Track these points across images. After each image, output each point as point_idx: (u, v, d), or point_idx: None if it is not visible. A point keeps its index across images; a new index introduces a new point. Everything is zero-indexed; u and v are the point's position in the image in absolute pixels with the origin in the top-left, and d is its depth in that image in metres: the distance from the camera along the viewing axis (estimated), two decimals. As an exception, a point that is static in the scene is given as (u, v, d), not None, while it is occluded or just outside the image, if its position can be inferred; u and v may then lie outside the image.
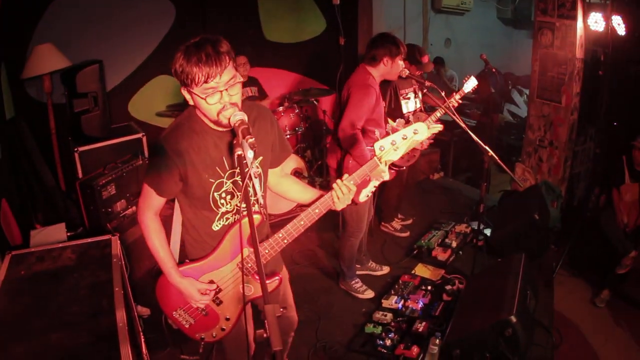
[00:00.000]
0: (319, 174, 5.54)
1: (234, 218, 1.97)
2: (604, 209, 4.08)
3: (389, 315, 3.40)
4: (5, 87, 3.99)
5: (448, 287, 3.63)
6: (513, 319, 2.61)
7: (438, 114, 4.09)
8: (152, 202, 1.92)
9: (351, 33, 6.41)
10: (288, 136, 5.27)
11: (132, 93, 4.96)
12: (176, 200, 2.05)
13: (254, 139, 1.61)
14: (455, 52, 7.69)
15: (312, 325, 3.42)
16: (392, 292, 3.67)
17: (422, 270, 4.05)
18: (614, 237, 3.77)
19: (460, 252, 4.32)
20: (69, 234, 3.33)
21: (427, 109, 4.88)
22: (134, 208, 3.99)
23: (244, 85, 5.13)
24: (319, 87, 6.01)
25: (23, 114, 4.18)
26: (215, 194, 1.89)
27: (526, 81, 6.63)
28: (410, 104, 4.27)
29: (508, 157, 5.86)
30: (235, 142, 1.63)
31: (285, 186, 2.17)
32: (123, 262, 2.67)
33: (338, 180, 1.91)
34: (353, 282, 3.86)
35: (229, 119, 1.70)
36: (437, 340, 3.00)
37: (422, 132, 1.84)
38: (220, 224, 1.96)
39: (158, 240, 1.96)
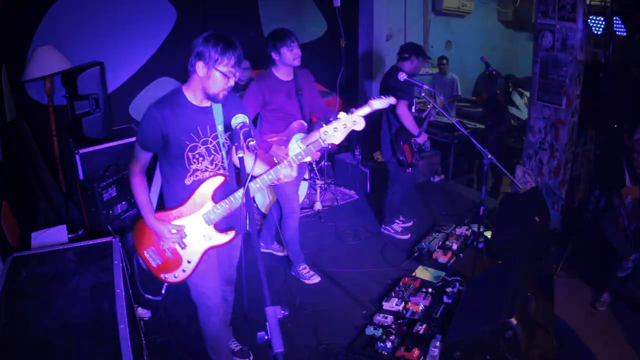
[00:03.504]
0: (320, 176, 5.54)
1: (203, 176, 2.37)
2: (604, 211, 4.07)
3: (390, 318, 3.40)
4: (6, 89, 4.00)
5: (448, 290, 3.63)
6: (513, 321, 2.61)
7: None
8: (139, 158, 2.33)
9: (352, 35, 6.44)
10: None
11: (133, 95, 4.96)
12: (158, 161, 2.47)
13: (255, 141, 1.90)
14: (455, 55, 7.69)
15: (313, 327, 3.41)
16: (393, 295, 3.67)
17: (422, 273, 4.05)
18: (614, 239, 3.76)
19: (461, 255, 4.32)
20: (70, 235, 3.34)
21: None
22: (134, 210, 4.00)
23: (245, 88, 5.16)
24: (320, 89, 6.02)
25: (24, 116, 4.19)
26: (189, 153, 2.31)
27: (527, 83, 6.64)
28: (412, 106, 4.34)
29: (508, 159, 5.87)
30: (237, 144, 1.93)
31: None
32: (124, 264, 2.68)
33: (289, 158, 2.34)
34: (300, 267, 3.99)
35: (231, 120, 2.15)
36: (438, 343, 3.00)
37: (359, 124, 2.28)
38: (191, 179, 2.36)
39: (141, 190, 2.37)
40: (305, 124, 3.71)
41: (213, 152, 2.37)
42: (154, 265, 2.46)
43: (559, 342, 3.20)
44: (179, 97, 2.29)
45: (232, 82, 2.23)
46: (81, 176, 4.00)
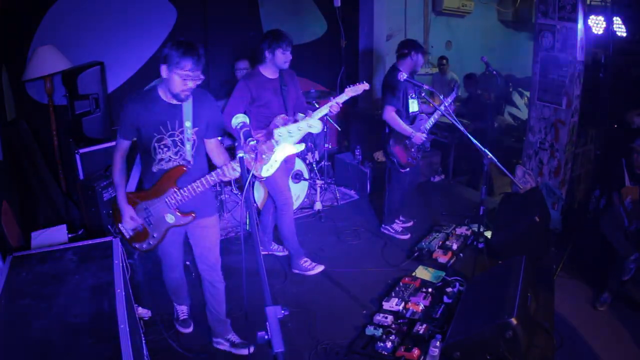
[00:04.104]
0: (320, 176, 5.54)
1: (167, 165, 2.68)
2: (604, 211, 4.07)
3: (390, 318, 3.40)
4: (6, 89, 4.00)
5: (449, 290, 3.63)
6: (514, 321, 2.61)
7: (434, 117, 4.21)
8: (119, 145, 2.73)
9: (352, 35, 6.43)
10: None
11: (133, 95, 4.96)
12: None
13: (255, 142, 2.02)
14: (456, 55, 7.69)
15: (312, 327, 3.41)
16: (393, 295, 3.67)
17: (422, 273, 4.05)
18: (614, 239, 3.77)
19: (461, 255, 4.32)
20: (70, 235, 3.34)
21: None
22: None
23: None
24: (319, 89, 6.02)
25: (24, 116, 4.19)
26: (156, 144, 2.62)
27: (527, 83, 6.63)
28: (414, 104, 4.33)
29: (509, 159, 5.87)
30: (237, 144, 2.06)
31: (214, 152, 2.88)
32: (124, 264, 2.68)
33: (232, 162, 2.56)
34: (301, 261, 4.03)
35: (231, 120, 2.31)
36: (438, 343, 3.00)
37: (315, 127, 2.62)
38: (157, 167, 2.68)
39: (117, 173, 2.74)
40: (289, 118, 3.77)
41: (179, 144, 2.65)
42: (127, 236, 2.85)
43: (559, 342, 3.21)
44: (153, 93, 2.60)
45: (190, 84, 2.48)
46: (81, 176, 4.00)
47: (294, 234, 4.00)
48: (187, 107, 2.62)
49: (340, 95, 3.73)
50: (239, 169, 2.52)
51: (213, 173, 2.65)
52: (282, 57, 3.61)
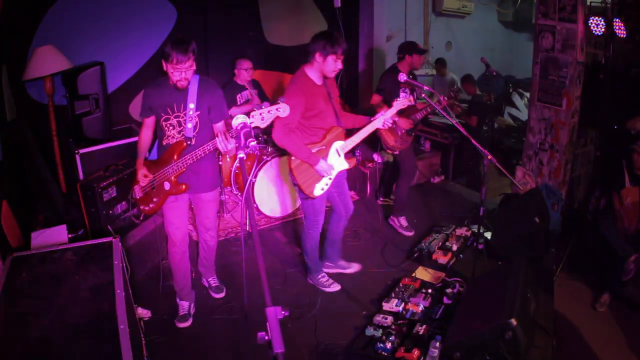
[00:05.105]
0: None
1: (173, 140, 3.09)
2: (604, 212, 4.07)
3: (390, 318, 3.39)
4: (6, 89, 3.99)
5: (448, 290, 3.63)
6: (513, 322, 2.61)
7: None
8: (142, 121, 3.19)
9: (352, 36, 6.44)
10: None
11: (133, 95, 4.97)
12: None
13: (255, 142, 2.09)
14: (456, 55, 7.70)
15: (312, 327, 3.41)
16: (393, 295, 3.67)
17: (422, 274, 4.05)
18: (614, 240, 3.77)
19: (461, 255, 4.32)
20: (69, 236, 3.34)
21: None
22: (135, 210, 4.00)
23: (248, 86, 5.16)
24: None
25: (24, 116, 4.19)
26: (164, 122, 3.07)
27: (527, 84, 6.64)
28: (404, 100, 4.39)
29: (509, 160, 5.87)
30: (238, 144, 2.15)
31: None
32: (124, 264, 2.68)
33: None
34: (319, 276, 3.91)
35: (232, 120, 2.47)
36: (438, 343, 2.99)
37: (283, 110, 2.70)
38: (165, 141, 3.12)
39: (140, 140, 3.22)
40: (343, 129, 3.58)
41: (183, 124, 3.05)
42: (137, 197, 3.27)
43: (559, 342, 3.21)
44: (165, 81, 3.02)
45: (179, 77, 2.89)
46: (81, 176, 4.00)
47: (316, 251, 3.84)
48: (192, 92, 3.01)
49: (390, 110, 3.54)
50: (232, 142, 2.87)
51: (204, 145, 2.98)
52: (333, 65, 3.31)
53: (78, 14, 4.43)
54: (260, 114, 2.66)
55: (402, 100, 3.62)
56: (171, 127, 3.07)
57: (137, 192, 3.24)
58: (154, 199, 3.22)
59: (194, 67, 2.95)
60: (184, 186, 3.15)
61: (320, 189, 3.48)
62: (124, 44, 4.73)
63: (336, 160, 3.52)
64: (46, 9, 4.27)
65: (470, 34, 7.93)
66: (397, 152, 4.61)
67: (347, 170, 3.67)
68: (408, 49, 4.47)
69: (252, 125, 2.56)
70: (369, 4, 6.47)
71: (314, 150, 3.39)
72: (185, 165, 3.07)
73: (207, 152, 3.03)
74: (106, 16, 4.60)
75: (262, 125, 2.69)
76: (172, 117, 3.05)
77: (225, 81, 5.15)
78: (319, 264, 3.93)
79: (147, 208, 3.27)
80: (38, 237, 3.15)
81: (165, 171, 3.11)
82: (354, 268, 4.11)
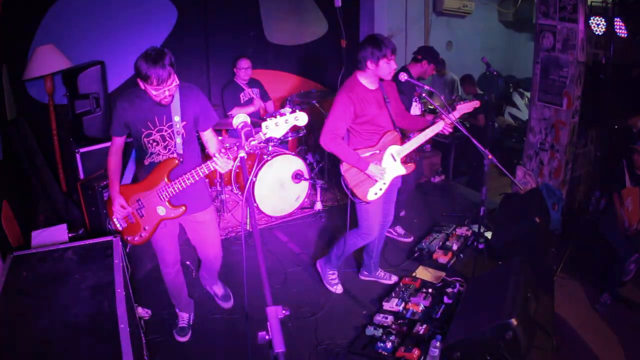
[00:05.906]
0: (321, 176, 5.54)
1: (157, 158, 2.74)
2: (604, 212, 4.07)
3: (390, 318, 3.40)
4: (7, 88, 3.99)
5: (449, 290, 3.63)
6: (514, 322, 2.61)
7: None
8: (112, 141, 2.78)
9: (353, 35, 6.42)
10: (290, 138, 5.29)
11: (133, 94, 4.96)
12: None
13: (256, 141, 2.20)
14: (456, 55, 7.68)
15: (312, 327, 3.41)
16: (393, 295, 3.67)
17: (423, 273, 4.05)
18: (614, 240, 3.76)
19: (461, 255, 4.32)
20: (70, 235, 3.34)
21: (428, 112, 4.89)
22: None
23: (247, 86, 5.16)
24: (320, 89, 6.02)
25: (25, 115, 4.19)
26: (145, 139, 2.69)
27: (527, 84, 6.63)
28: (415, 109, 4.34)
29: (509, 159, 5.86)
30: (238, 144, 2.10)
31: (209, 144, 2.92)
32: (124, 264, 2.68)
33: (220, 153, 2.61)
34: (330, 271, 3.85)
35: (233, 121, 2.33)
36: (438, 343, 3.00)
37: (302, 119, 2.47)
38: (148, 160, 2.76)
39: (111, 167, 2.79)
40: (399, 134, 3.47)
41: (167, 138, 2.71)
42: (120, 228, 2.89)
43: (559, 342, 3.21)
44: (141, 92, 2.62)
45: (163, 96, 2.52)
46: (81, 175, 4.00)
47: (349, 253, 3.74)
48: (175, 102, 2.65)
49: (453, 114, 3.42)
50: (230, 161, 2.61)
51: (204, 165, 2.68)
52: (387, 67, 3.18)
53: (78, 13, 4.43)
54: (276, 123, 2.44)
55: (467, 104, 3.49)
56: (155, 144, 2.71)
57: (120, 223, 2.87)
58: (145, 227, 2.84)
59: (177, 81, 2.57)
60: (182, 208, 2.82)
61: (374, 193, 3.36)
62: (125, 43, 4.72)
63: (391, 164, 3.39)
64: (46, 8, 4.27)
65: (470, 34, 7.91)
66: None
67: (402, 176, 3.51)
68: (431, 55, 4.26)
69: (266, 136, 2.45)
70: (370, 4, 6.46)
71: (367, 155, 3.30)
72: (182, 186, 2.73)
73: (205, 174, 2.73)
74: (107, 15, 4.59)
75: (278, 136, 2.49)
76: (154, 132, 2.68)
77: (226, 81, 5.15)
78: (338, 263, 3.82)
79: (137, 239, 2.87)
80: (38, 236, 3.16)
81: (155, 195, 2.76)
82: (393, 279, 3.98)
